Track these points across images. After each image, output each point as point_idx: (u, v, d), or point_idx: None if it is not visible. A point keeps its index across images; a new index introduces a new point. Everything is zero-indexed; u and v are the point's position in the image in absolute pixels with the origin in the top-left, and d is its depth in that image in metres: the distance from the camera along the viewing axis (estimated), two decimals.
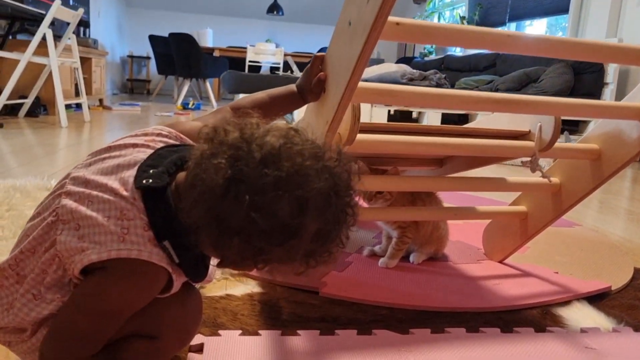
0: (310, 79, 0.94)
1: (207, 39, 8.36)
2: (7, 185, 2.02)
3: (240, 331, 1.04)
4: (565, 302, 1.30)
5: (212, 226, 0.65)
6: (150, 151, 0.76)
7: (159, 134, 0.81)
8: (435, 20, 8.15)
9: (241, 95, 4.06)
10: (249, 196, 0.63)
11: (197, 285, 1.22)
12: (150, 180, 0.70)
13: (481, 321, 1.18)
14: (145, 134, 0.80)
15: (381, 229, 1.59)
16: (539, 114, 1.14)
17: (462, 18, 7.35)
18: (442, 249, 1.56)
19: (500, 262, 1.57)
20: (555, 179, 1.33)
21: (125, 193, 0.69)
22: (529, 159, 1.19)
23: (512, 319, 1.21)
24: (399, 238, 1.47)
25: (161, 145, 0.78)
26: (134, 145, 0.77)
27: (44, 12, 3.79)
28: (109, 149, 0.78)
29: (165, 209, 0.69)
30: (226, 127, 0.68)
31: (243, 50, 7.83)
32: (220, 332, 1.03)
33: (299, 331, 1.06)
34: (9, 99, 3.82)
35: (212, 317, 1.10)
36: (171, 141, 0.81)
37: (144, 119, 5.32)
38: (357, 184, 0.73)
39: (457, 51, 6.94)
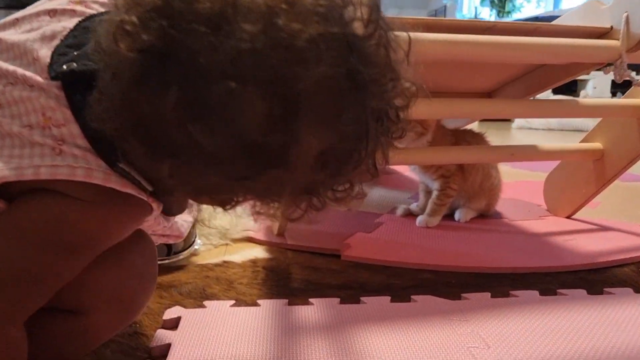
0: None
1: None
2: None
3: (233, 302, 0.78)
4: None
5: (135, 135, 0.40)
6: (77, 20, 0.49)
7: None
8: None
9: None
10: (179, 87, 0.36)
11: (185, 252, 0.98)
12: (75, 65, 0.44)
13: (557, 283, 0.88)
14: None
15: (417, 186, 1.30)
16: None
17: None
18: (495, 203, 1.26)
19: (568, 217, 1.26)
20: None
21: (41, 80, 0.45)
22: (611, 65, 0.89)
23: (599, 279, 0.91)
24: (442, 190, 1.18)
25: (96, 11, 0.51)
26: (52, 13, 0.51)
27: None
28: (16, 21, 0.52)
29: (103, 112, 0.42)
30: None
31: None
32: (205, 303, 0.77)
33: (311, 300, 0.79)
34: None
35: (200, 287, 0.84)
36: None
37: None
38: (404, 66, 0.44)
39: None
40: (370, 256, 0.97)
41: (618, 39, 0.88)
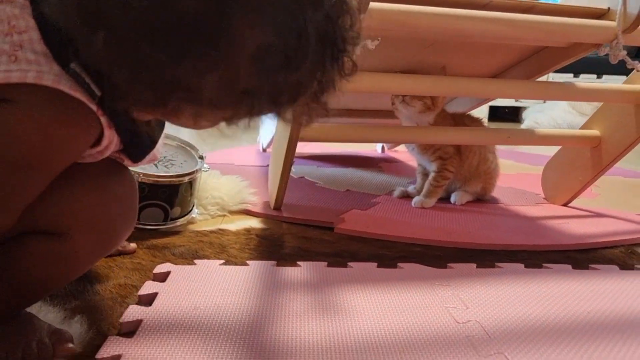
0: None
1: None
2: None
3: (222, 261, 0.80)
4: None
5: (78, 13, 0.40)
6: None
7: None
8: None
9: None
10: None
11: (182, 219, 0.99)
12: None
13: (544, 259, 0.89)
14: None
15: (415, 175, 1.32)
16: None
17: None
18: (491, 188, 1.27)
19: (565, 205, 1.27)
20: None
21: None
22: (607, 46, 0.90)
23: (586, 257, 0.91)
24: (439, 172, 1.19)
25: None
26: None
27: None
28: None
29: (61, 15, 0.43)
30: None
31: None
32: (196, 261, 0.80)
33: (300, 262, 0.81)
34: None
35: (193, 250, 0.86)
36: None
37: None
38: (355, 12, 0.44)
39: None
40: (363, 229, 0.99)
41: (614, 20, 0.89)
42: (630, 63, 0.89)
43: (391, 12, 0.80)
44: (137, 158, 0.57)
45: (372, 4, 0.76)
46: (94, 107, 0.47)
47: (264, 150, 1.84)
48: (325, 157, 1.81)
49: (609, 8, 0.92)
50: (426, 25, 0.82)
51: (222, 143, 1.89)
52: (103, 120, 0.48)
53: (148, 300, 0.66)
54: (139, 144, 0.56)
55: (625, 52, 0.88)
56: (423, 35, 0.94)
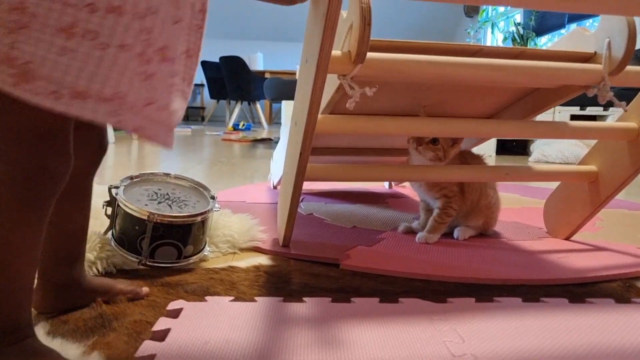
0: None
1: (258, 62, 8.41)
2: None
3: (232, 298, 0.84)
4: None
5: None
6: None
7: None
8: (489, 31, 7.83)
9: (284, 102, 3.94)
10: None
11: (194, 257, 1.04)
12: None
13: (542, 293, 0.92)
14: None
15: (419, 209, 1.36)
16: (603, 13, 0.89)
17: (518, 24, 7.01)
18: (493, 222, 1.30)
19: (566, 239, 1.29)
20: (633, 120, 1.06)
21: None
22: (595, 88, 0.95)
23: (583, 291, 0.94)
24: (443, 209, 1.23)
25: None
26: None
27: None
28: None
29: None
30: None
31: (293, 72, 7.82)
32: (207, 298, 0.84)
33: (305, 298, 0.85)
34: None
35: (205, 286, 0.91)
36: None
37: (193, 138, 5.31)
38: None
39: None
40: (367, 265, 1.03)
41: (601, 63, 0.94)
42: (617, 103, 0.94)
43: (387, 61, 0.86)
44: None
45: (370, 55, 0.82)
46: None
47: (275, 187, 1.90)
48: (334, 193, 1.86)
49: (595, 52, 0.97)
50: (421, 73, 0.88)
51: (235, 181, 1.96)
52: None
53: (161, 336, 0.70)
54: None
55: (612, 93, 0.93)
56: (419, 81, 1.00)
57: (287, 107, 3.62)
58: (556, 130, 1.06)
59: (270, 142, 4.41)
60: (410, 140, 1.20)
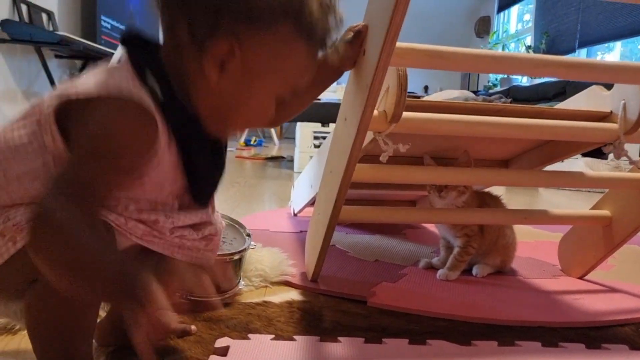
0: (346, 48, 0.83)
1: None
2: None
3: (273, 336, 0.91)
4: None
5: None
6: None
7: None
8: None
9: (299, 124, 4.03)
10: None
11: (230, 292, 1.11)
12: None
13: (559, 337, 0.98)
14: None
15: (439, 243, 1.42)
16: (620, 82, 0.97)
17: (528, 47, 7.10)
18: (510, 260, 1.37)
19: (580, 278, 1.36)
20: None
21: (121, 49, 0.65)
22: (611, 145, 1.02)
23: (599, 335, 1.00)
24: (463, 248, 1.30)
25: None
26: None
27: (114, 52, 3.96)
28: None
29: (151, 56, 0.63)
30: None
31: None
32: (250, 336, 0.91)
33: (340, 338, 0.92)
34: None
35: (244, 322, 0.98)
36: None
37: None
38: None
39: (523, 81, 6.67)
40: (393, 303, 1.09)
41: (616, 122, 1.01)
42: (632, 161, 1.01)
43: (416, 120, 0.93)
44: (201, 198, 0.69)
45: (404, 114, 0.90)
46: (153, 110, 0.59)
47: (295, 214, 1.97)
48: (354, 223, 1.92)
49: (611, 111, 1.04)
50: (447, 130, 0.96)
51: (253, 205, 2.03)
52: (160, 126, 0.60)
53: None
54: (201, 182, 0.68)
55: (627, 151, 1.00)
56: (445, 135, 1.08)
57: (302, 130, 3.72)
58: (574, 180, 1.13)
59: (282, 160, 4.49)
60: (431, 189, 1.27)
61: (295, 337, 0.92)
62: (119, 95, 0.58)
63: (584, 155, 3.57)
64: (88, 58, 4.42)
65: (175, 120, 0.62)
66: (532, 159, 1.28)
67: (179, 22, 0.61)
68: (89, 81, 0.59)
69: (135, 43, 0.64)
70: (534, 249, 1.65)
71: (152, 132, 0.60)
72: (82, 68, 4.46)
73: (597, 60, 0.83)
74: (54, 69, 4.14)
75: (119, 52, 0.66)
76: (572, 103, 1.14)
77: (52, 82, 3.93)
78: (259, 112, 0.66)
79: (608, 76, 0.91)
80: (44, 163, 0.60)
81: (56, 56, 4.20)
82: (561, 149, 1.19)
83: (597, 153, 3.76)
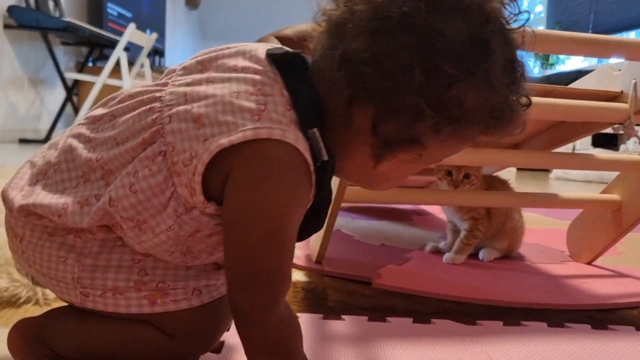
0: None
1: None
2: None
3: None
4: None
5: (379, 63, 0.48)
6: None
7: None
8: None
9: None
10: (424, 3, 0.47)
11: None
12: (290, 52, 0.55)
13: (565, 318, 0.97)
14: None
15: (446, 229, 1.41)
16: (632, 59, 0.95)
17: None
18: (517, 245, 1.35)
19: (589, 263, 1.34)
20: None
21: (259, 67, 0.54)
22: (620, 125, 1.00)
23: (605, 317, 0.99)
24: (470, 231, 1.29)
25: None
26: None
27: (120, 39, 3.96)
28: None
29: (310, 89, 0.52)
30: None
31: None
32: None
33: (343, 316, 0.91)
34: None
35: None
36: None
37: None
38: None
39: (535, 72, 6.58)
40: (399, 285, 1.09)
41: (627, 102, 0.99)
42: None
43: None
44: (305, 236, 0.59)
45: None
46: (312, 171, 0.52)
47: None
48: (359, 208, 1.92)
49: (622, 91, 1.02)
50: None
51: None
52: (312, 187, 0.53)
53: (217, 347, 0.77)
54: (312, 224, 0.58)
55: (637, 132, 0.98)
56: None
57: None
58: (581, 162, 1.12)
59: None
60: (441, 176, 1.25)
61: (298, 314, 0.91)
62: (283, 144, 0.49)
63: (595, 146, 3.54)
64: (94, 45, 4.43)
65: (324, 181, 0.54)
66: (542, 141, 1.26)
67: (359, 105, 0.51)
68: (238, 107, 0.50)
69: (294, 74, 0.53)
70: (543, 235, 1.63)
71: (309, 193, 0.53)
72: (88, 55, 4.47)
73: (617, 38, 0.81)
74: (61, 55, 4.15)
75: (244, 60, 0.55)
76: (583, 83, 1.12)
77: (58, 69, 3.94)
78: (388, 184, 0.60)
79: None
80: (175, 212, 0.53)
81: (62, 43, 4.21)
82: (571, 130, 1.17)
83: (608, 144, 3.73)
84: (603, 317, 0.99)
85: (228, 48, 0.58)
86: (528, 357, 0.78)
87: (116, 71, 3.90)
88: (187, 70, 0.57)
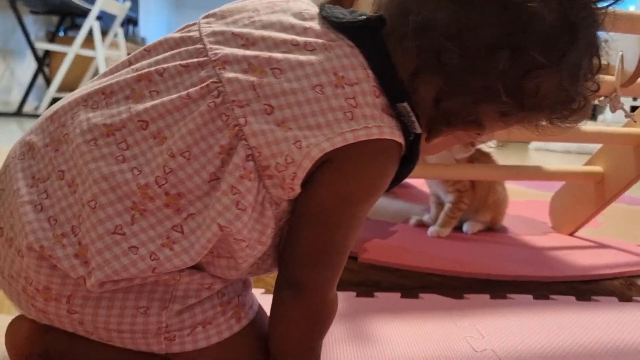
0: None
1: None
2: None
3: (263, 290, 0.90)
4: None
5: (462, 38, 0.44)
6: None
7: None
8: None
9: None
10: None
11: None
12: (363, 17, 0.48)
13: (550, 290, 0.98)
14: None
15: (429, 201, 1.41)
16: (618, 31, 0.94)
17: None
18: (500, 217, 1.36)
19: (571, 234, 1.36)
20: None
21: (324, 41, 0.47)
22: (606, 97, 1.00)
23: (589, 288, 1.01)
24: (455, 204, 1.29)
25: None
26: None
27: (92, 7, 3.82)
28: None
29: (388, 58, 0.47)
30: None
31: None
32: None
33: None
34: (58, 91, 3.86)
35: None
36: None
37: None
38: None
39: None
40: (385, 259, 1.08)
41: (613, 75, 0.99)
42: (627, 114, 0.99)
43: None
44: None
45: None
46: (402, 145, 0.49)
47: None
48: None
49: (608, 63, 1.01)
50: None
51: None
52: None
53: None
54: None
55: (623, 104, 0.98)
56: None
57: None
58: (565, 134, 1.11)
59: None
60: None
61: None
62: (381, 140, 0.47)
63: None
64: (65, 14, 4.28)
65: (413, 154, 0.52)
66: None
67: (424, 77, 0.48)
68: (328, 107, 0.46)
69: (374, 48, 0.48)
70: (525, 207, 1.65)
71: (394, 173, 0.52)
72: (59, 24, 4.31)
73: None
74: (30, 25, 4.00)
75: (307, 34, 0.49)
76: None
77: (28, 39, 3.80)
78: (426, 154, 0.57)
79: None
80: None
81: (32, 12, 4.04)
82: None
83: None
84: (586, 288, 1.01)
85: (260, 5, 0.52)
86: (517, 330, 0.78)
87: (89, 41, 3.78)
88: (221, 41, 0.49)
